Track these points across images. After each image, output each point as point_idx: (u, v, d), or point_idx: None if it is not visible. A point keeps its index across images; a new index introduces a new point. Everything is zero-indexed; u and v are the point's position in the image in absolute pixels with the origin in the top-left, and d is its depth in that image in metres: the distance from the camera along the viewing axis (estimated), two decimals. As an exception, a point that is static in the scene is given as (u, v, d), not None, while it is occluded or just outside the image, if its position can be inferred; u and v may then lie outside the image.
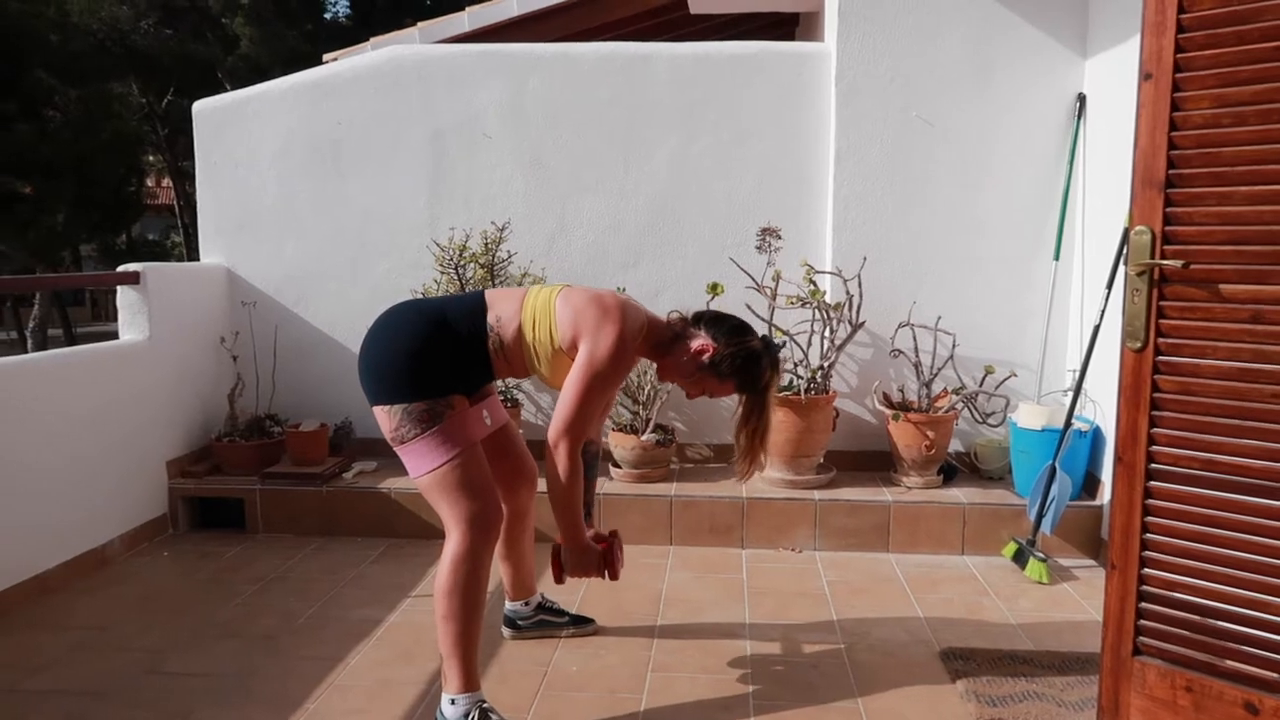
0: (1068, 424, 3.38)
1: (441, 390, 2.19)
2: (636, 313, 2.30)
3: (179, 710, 2.37)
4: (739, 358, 2.27)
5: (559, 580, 2.45)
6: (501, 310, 2.28)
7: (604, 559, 2.41)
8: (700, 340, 2.29)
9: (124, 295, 3.75)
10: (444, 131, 4.16)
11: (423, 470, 2.17)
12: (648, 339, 2.33)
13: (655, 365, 2.43)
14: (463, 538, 2.17)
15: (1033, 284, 3.94)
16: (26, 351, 14.90)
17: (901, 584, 3.28)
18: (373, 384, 2.22)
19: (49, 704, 2.41)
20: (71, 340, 18.04)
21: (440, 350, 2.21)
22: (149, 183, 22.81)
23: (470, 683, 2.20)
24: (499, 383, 3.79)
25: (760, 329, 3.86)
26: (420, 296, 3.97)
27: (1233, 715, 1.93)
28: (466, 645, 2.20)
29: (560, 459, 2.20)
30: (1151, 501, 2.03)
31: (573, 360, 2.22)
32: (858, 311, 3.87)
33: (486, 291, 2.35)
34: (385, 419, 2.20)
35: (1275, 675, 1.88)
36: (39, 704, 2.41)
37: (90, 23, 16.58)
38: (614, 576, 2.45)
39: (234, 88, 5.10)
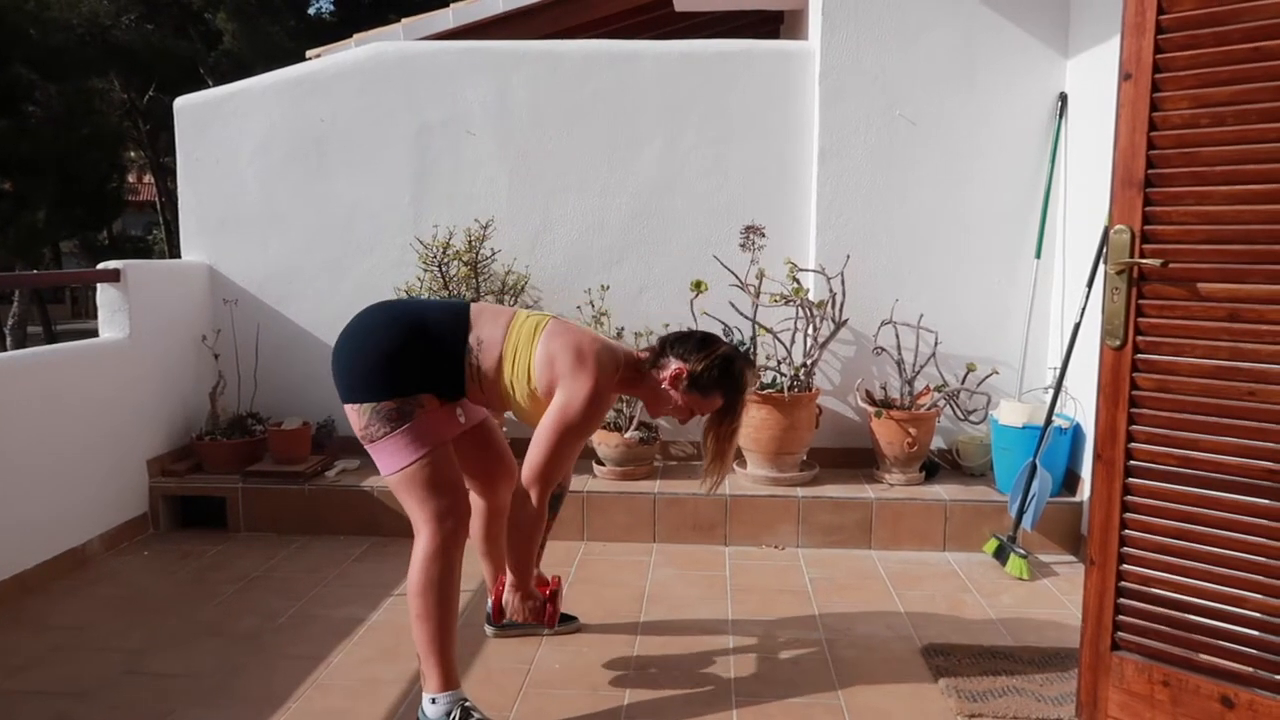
0: (1048, 421, 3.40)
1: (412, 389, 2.19)
2: (613, 356, 2.28)
3: (160, 710, 2.36)
4: (715, 368, 2.27)
5: (496, 619, 2.53)
6: (485, 333, 2.25)
7: (543, 607, 2.45)
8: (672, 365, 2.29)
9: (104, 293, 3.72)
10: (428, 129, 4.15)
11: (391, 469, 2.17)
12: (624, 380, 2.32)
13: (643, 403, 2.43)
14: (432, 536, 2.17)
15: (1014, 282, 3.97)
16: (5, 349, 14.76)
17: (884, 580, 3.30)
18: (344, 382, 2.22)
19: (29, 704, 2.39)
20: (51, 337, 17.89)
21: (413, 356, 2.20)
22: (130, 179, 22.64)
23: (449, 681, 2.20)
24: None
25: (744, 326, 3.88)
26: (403, 294, 3.96)
27: (1209, 709, 1.95)
28: (443, 643, 2.19)
29: (529, 506, 2.23)
30: (1130, 498, 2.05)
31: (548, 403, 2.23)
32: (841, 309, 3.88)
33: (472, 306, 2.31)
34: (355, 417, 2.19)
35: (1250, 669, 1.91)
36: (18, 704, 2.39)
37: (70, 17, 16.42)
38: (550, 624, 2.48)
39: (217, 84, 5.06)
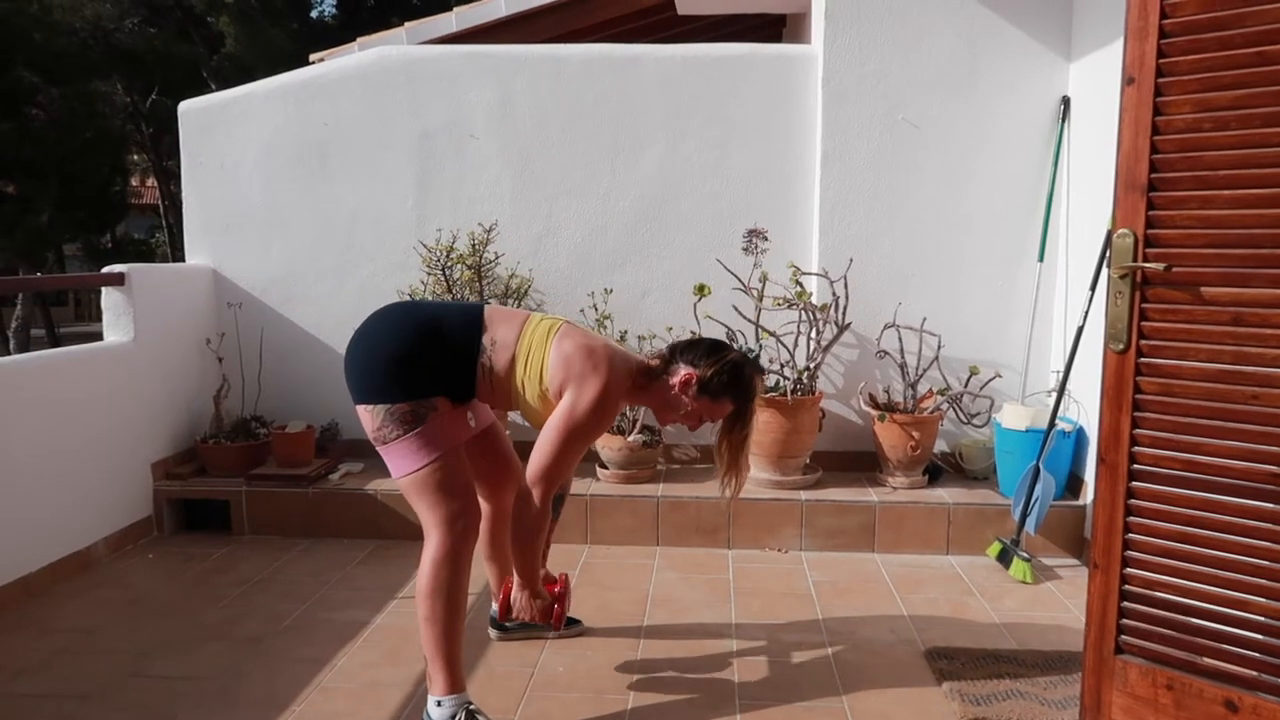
0: (1051, 424, 3.40)
1: (425, 392, 2.20)
2: (625, 362, 2.30)
3: (164, 713, 2.36)
4: (724, 373, 2.29)
5: (502, 617, 2.54)
6: (499, 334, 2.27)
7: (551, 607, 2.46)
8: (682, 371, 2.31)
9: (109, 296, 3.73)
10: (431, 133, 4.15)
11: (403, 471, 2.18)
12: (634, 387, 2.34)
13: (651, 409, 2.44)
14: (442, 540, 2.18)
15: (1017, 285, 3.97)
16: (9, 352, 14.77)
17: (887, 584, 3.30)
18: (358, 383, 2.22)
19: (33, 707, 2.40)
20: (55, 341, 17.90)
21: (428, 357, 2.21)
22: (133, 182, 22.67)
23: (455, 684, 2.20)
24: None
25: (747, 330, 3.88)
26: (407, 298, 3.97)
27: (1213, 713, 1.95)
28: (450, 646, 2.20)
29: (532, 506, 2.24)
30: (1133, 502, 2.05)
31: (557, 405, 2.24)
32: (844, 313, 3.88)
33: (486, 308, 2.33)
34: (368, 418, 2.20)
35: (1254, 673, 1.90)
36: (22, 707, 2.40)
37: (73, 20, 16.45)
38: (557, 625, 2.50)
39: (219, 87, 5.08)
